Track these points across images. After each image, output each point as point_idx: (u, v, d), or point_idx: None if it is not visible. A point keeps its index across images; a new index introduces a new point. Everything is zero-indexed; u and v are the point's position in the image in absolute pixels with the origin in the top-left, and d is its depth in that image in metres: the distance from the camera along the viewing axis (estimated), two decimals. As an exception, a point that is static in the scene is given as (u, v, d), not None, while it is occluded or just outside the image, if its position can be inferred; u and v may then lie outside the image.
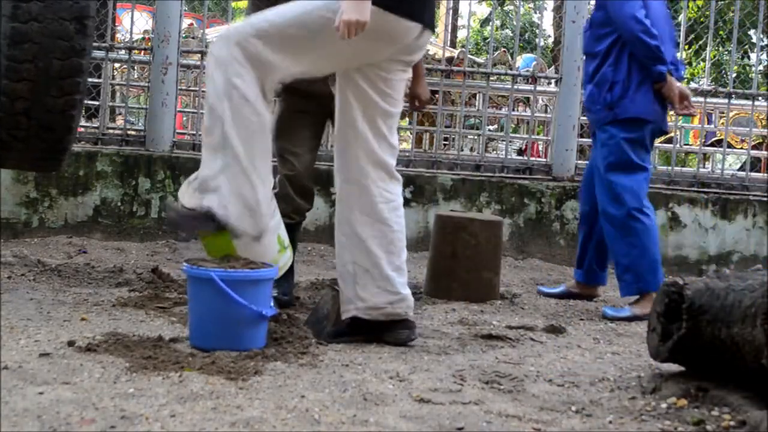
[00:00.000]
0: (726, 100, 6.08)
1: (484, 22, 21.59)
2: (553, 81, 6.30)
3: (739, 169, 7.68)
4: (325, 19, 2.59)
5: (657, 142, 8.27)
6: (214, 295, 2.46)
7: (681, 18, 5.99)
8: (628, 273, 3.75)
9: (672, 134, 6.18)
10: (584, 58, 4.11)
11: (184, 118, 8.22)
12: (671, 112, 4.10)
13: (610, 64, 3.87)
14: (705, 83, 6.41)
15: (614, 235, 3.80)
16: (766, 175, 6.99)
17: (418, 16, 2.71)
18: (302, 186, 3.45)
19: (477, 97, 8.00)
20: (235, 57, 2.58)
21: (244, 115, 2.58)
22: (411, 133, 7.36)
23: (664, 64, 3.82)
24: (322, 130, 3.66)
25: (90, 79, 5.56)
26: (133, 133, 6.10)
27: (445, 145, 8.61)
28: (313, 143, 3.57)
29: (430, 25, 2.79)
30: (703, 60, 10.22)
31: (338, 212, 2.85)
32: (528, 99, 8.02)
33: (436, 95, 6.40)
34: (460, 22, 14.89)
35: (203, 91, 6.18)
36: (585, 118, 4.87)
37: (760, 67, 10.33)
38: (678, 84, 3.90)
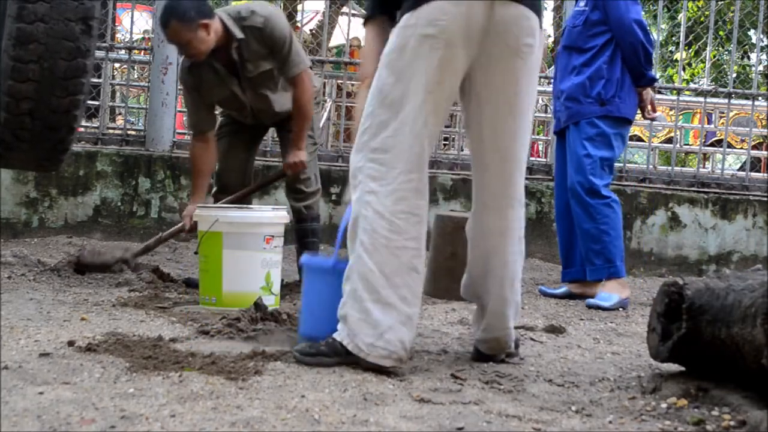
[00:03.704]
0: (726, 100, 6.09)
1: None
2: (552, 81, 6.30)
3: (739, 169, 7.69)
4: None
5: (657, 142, 8.30)
6: (330, 285, 2.45)
7: (681, 18, 5.99)
8: (600, 257, 3.94)
9: (672, 134, 6.18)
10: (564, 51, 4.11)
11: (184, 118, 8.22)
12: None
13: (605, 62, 3.97)
14: (705, 83, 6.41)
15: (588, 220, 3.94)
16: (766, 175, 6.99)
17: None
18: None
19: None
20: None
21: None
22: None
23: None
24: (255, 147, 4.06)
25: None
26: (133, 133, 6.11)
27: (445, 145, 8.60)
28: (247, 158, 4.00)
29: None
30: (703, 60, 10.22)
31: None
32: (528, 99, 8.00)
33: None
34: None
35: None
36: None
37: (760, 67, 10.32)
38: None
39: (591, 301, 3.89)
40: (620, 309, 3.83)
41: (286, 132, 3.88)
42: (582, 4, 4.06)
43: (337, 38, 8.77)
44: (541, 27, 2.47)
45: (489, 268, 2.52)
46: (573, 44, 4.05)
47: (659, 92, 6.67)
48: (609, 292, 3.90)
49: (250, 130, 3.89)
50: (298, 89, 3.67)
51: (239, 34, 3.51)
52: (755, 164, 8.45)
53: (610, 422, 1.98)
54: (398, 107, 2.34)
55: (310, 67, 3.84)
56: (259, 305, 2.88)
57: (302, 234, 3.88)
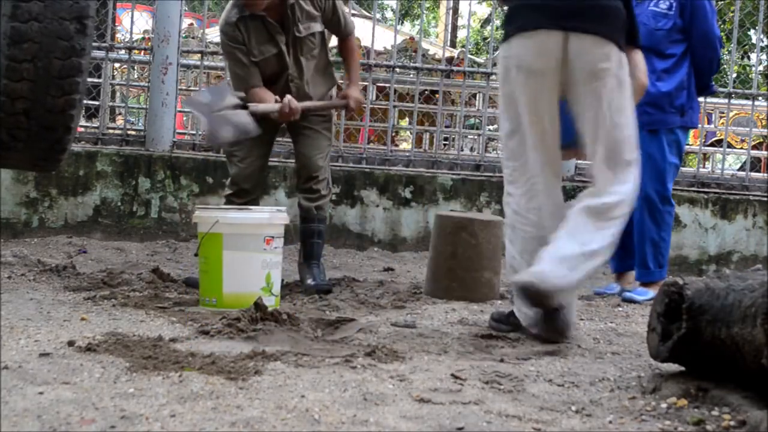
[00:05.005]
0: (726, 100, 6.09)
1: (485, 22, 21.57)
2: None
3: (739, 169, 7.69)
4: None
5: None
6: None
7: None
8: (654, 263, 4.18)
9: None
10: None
11: (184, 118, 8.23)
12: None
13: (686, 73, 4.10)
14: (705, 83, 6.39)
15: (654, 227, 4.15)
16: (766, 175, 6.99)
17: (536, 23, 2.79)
18: (240, 189, 3.87)
19: (477, 97, 8.00)
20: None
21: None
22: (411, 133, 7.37)
23: None
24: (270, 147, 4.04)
25: (90, 79, 5.57)
26: (133, 133, 6.11)
27: (445, 145, 8.62)
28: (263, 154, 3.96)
29: (572, 26, 2.76)
30: (703, 60, 10.20)
31: None
32: (528, 99, 8.00)
33: (436, 95, 6.38)
34: (460, 22, 14.91)
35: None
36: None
37: (760, 67, 10.32)
38: None
39: (627, 294, 4.12)
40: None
41: (302, 130, 3.90)
42: (664, 6, 4.08)
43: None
44: (621, 49, 2.79)
45: None
46: (654, 47, 4.04)
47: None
48: (646, 289, 4.12)
49: (267, 134, 3.86)
50: (350, 44, 4.03)
51: None
52: (755, 164, 8.45)
53: (610, 422, 1.98)
54: (516, 124, 2.86)
55: None
56: (259, 305, 2.88)
57: (308, 234, 3.86)
